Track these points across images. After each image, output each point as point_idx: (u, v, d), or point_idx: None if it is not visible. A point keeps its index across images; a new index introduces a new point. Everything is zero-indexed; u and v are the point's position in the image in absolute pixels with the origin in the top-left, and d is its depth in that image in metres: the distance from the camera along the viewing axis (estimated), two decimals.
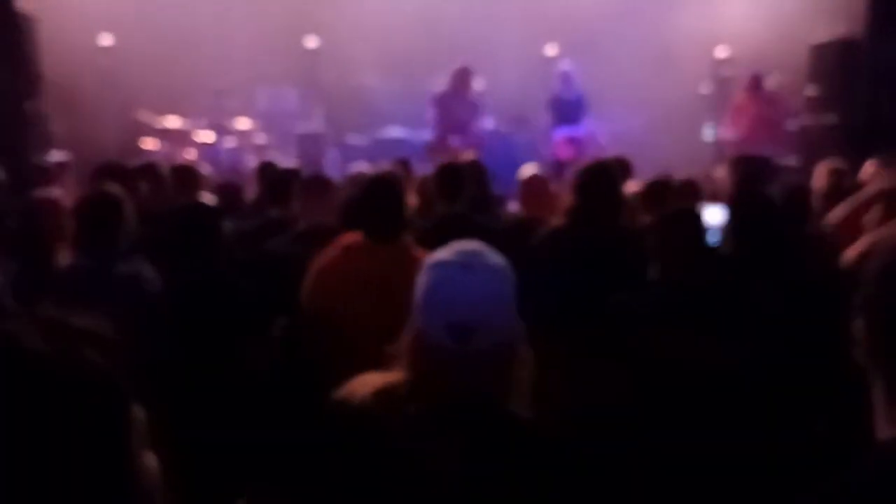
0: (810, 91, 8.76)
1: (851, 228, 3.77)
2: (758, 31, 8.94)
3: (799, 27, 8.72)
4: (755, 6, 9.18)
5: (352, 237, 2.94)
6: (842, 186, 4.54)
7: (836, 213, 4.16)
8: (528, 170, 4.92)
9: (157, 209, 3.85)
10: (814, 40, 8.81)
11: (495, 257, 1.56)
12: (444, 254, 1.55)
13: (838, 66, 8.45)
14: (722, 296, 2.88)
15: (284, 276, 3.04)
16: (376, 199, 2.92)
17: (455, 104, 8.66)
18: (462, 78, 8.63)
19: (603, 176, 3.53)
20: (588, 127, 9.30)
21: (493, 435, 1.44)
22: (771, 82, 8.82)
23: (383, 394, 1.52)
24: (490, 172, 4.84)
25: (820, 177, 4.72)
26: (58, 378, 0.80)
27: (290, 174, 4.37)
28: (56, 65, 8.13)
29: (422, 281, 1.54)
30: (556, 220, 3.72)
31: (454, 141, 8.52)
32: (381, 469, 1.44)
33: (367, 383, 1.56)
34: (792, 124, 8.90)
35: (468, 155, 6.98)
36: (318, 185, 3.80)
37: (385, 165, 4.22)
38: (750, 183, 4.60)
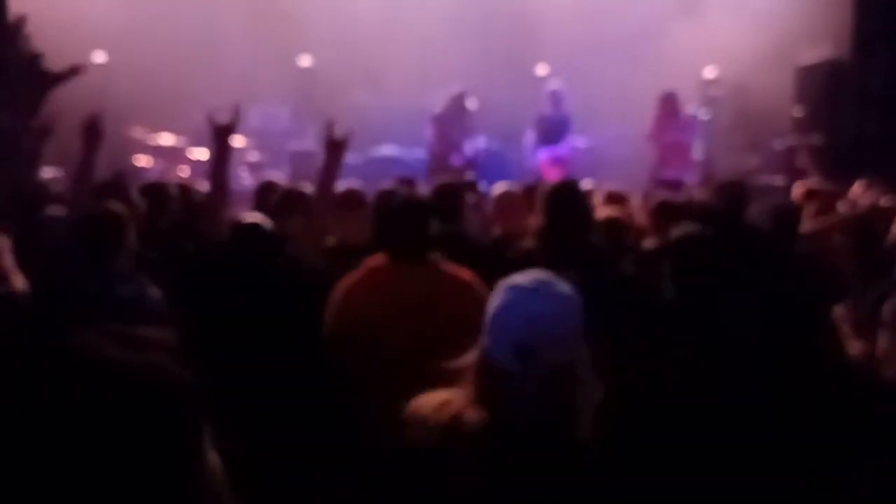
0: (797, 112, 8.90)
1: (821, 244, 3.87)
2: (745, 53, 9.08)
3: (786, 49, 8.87)
4: (743, 28, 9.31)
5: (376, 259, 2.95)
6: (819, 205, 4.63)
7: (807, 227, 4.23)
8: (500, 187, 4.83)
9: (163, 228, 3.87)
10: (801, 62, 8.96)
11: (565, 287, 1.61)
12: (516, 278, 1.61)
13: (825, 87, 8.59)
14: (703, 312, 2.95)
15: (315, 293, 3.05)
16: (399, 221, 2.93)
17: (451, 125, 8.97)
18: (458, 102, 9.10)
19: (570, 195, 3.48)
20: (570, 146, 9.40)
21: (547, 455, 1.48)
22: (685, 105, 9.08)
23: (448, 417, 1.55)
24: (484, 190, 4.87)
25: (797, 196, 4.80)
26: (138, 384, 0.85)
27: (296, 194, 4.31)
28: None
29: (492, 302, 1.60)
30: (527, 242, 3.60)
31: (456, 160, 8.81)
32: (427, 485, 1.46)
33: (431, 403, 1.59)
34: (778, 144, 9.02)
35: (468, 175, 7.17)
36: (350, 200, 3.74)
37: (388, 184, 4.20)
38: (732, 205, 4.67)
